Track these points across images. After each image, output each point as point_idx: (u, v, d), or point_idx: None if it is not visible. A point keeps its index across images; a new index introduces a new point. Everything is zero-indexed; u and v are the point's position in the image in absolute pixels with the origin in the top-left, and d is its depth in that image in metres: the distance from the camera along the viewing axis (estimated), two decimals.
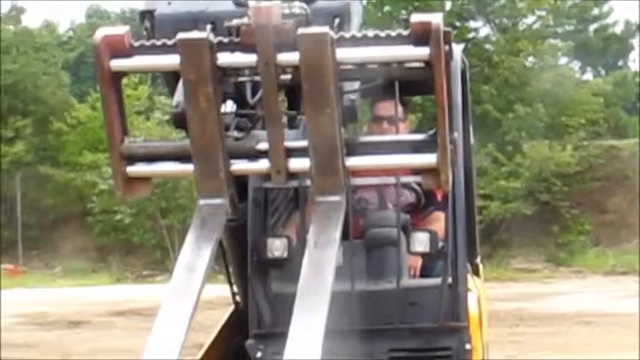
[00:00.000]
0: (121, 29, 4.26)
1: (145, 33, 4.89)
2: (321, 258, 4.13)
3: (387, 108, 5.80)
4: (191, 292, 4.07)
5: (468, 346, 5.32)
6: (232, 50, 4.21)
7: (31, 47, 35.91)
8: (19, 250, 33.07)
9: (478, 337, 5.59)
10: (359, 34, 4.24)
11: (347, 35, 4.20)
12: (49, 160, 34.01)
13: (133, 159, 4.43)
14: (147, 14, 4.89)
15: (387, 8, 31.88)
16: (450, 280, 5.36)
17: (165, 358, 3.84)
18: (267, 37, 4.12)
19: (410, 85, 5.26)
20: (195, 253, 4.23)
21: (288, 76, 4.29)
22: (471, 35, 33.58)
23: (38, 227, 33.52)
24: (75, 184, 32.27)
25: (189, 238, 4.28)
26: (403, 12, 31.95)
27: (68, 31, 41.91)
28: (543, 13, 34.55)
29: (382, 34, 4.19)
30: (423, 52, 4.11)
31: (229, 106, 4.45)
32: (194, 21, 4.72)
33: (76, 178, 32.19)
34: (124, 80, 4.45)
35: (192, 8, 4.78)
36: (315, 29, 4.13)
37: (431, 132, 4.28)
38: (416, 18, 4.10)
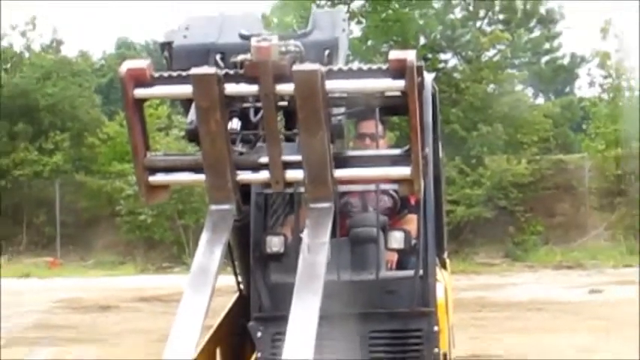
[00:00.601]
0: (143, 62, 4.32)
1: (164, 61, 4.93)
2: (314, 260, 4.18)
3: (369, 127, 5.82)
4: (207, 286, 4.14)
5: (435, 328, 5.34)
6: (237, 81, 4.24)
7: (69, 73, 35.75)
8: (58, 245, 32.97)
9: (445, 321, 5.61)
10: (345, 68, 4.28)
11: (335, 69, 4.24)
12: (84, 169, 33.90)
13: (154, 170, 4.47)
14: (166, 45, 4.91)
15: (370, 42, 31.81)
16: (421, 272, 5.39)
17: (188, 341, 3.93)
18: (266, 71, 4.16)
19: (389, 108, 5.29)
20: (209, 253, 4.29)
21: (285, 103, 4.34)
22: (441, 65, 33.55)
23: (74, 226, 33.41)
24: (105, 190, 32.16)
25: (203, 239, 4.33)
26: (384, 45, 31.95)
27: (100, 60, 41.78)
28: (502, 47, 34.56)
29: (365, 67, 4.23)
30: (400, 84, 4.15)
31: (235, 123, 4.48)
32: (206, 51, 4.75)
33: (106, 184, 32.10)
34: (146, 102, 4.48)
35: (205, 40, 4.80)
36: (307, 66, 4.17)
37: (405, 148, 4.33)
38: (393, 55, 4.14)
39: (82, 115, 35.04)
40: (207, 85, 4.22)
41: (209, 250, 4.32)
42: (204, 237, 4.35)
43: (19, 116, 34.22)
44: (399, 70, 4.15)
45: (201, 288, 4.17)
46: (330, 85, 4.16)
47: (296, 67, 4.16)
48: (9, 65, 36.46)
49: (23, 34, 36.95)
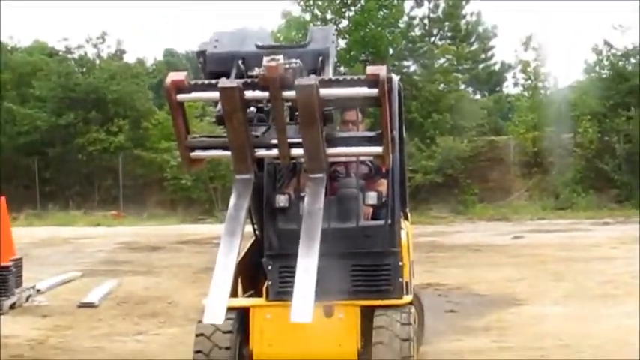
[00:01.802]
0: (182, 74, 4.42)
1: (199, 65, 4.92)
2: (313, 221, 4.26)
3: (352, 115, 5.83)
4: (235, 241, 4.28)
5: (400, 263, 5.35)
6: (253, 89, 4.28)
7: (129, 75, 35.66)
8: (121, 201, 33.00)
9: (407, 258, 5.62)
10: (334, 78, 4.37)
11: (326, 79, 4.34)
12: (140, 146, 33.80)
13: (193, 148, 4.50)
14: (201, 53, 4.90)
15: (352, 53, 31.75)
16: (389, 221, 5.40)
17: (228, 271, 4.16)
18: (275, 82, 4.20)
19: (367, 103, 5.30)
20: (235, 215, 4.38)
21: (289, 103, 4.37)
22: (404, 70, 33.62)
23: (133, 188, 33.41)
24: (156, 161, 32.11)
25: (231, 203, 4.45)
26: (363, 55, 31.96)
27: (152, 65, 41.59)
28: (450, 56, 34.58)
29: (348, 78, 4.33)
30: (374, 92, 4.19)
31: (252, 109, 4.51)
32: (231, 58, 4.74)
33: (157, 157, 32.04)
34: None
35: (230, 49, 4.79)
36: (305, 79, 4.22)
37: (379, 132, 4.37)
38: (370, 70, 4.23)
39: (139, 106, 35.00)
40: (230, 93, 4.26)
41: (235, 214, 4.40)
42: (231, 202, 4.46)
43: (92, 107, 34.15)
44: (374, 82, 4.20)
45: (231, 245, 4.27)
46: (323, 92, 4.20)
47: (297, 80, 4.23)
48: (85, 69, 36.38)
49: (95, 45, 36.93)
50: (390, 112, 4.32)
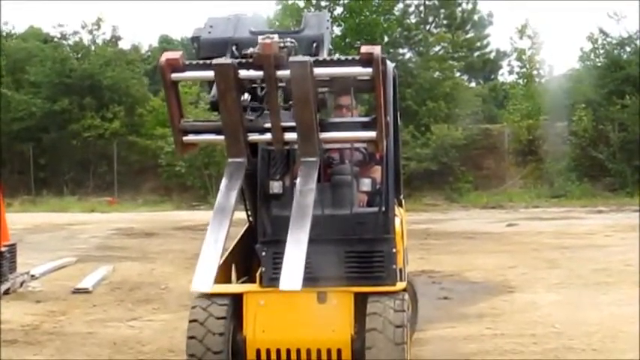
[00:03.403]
0: (177, 53, 4.41)
1: (194, 51, 4.90)
2: (304, 200, 4.25)
3: (345, 100, 5.79)
4: (225, 220, 4.24)
5: (394, 250, 5.33)
6: (247, 69, 4.26)
7: (124, 62, 35.61)
8: (115, 188, 32.95)
9: (401, 245, 5.61)
10: (328, 59, 4.37)
11: (320, 59, 4.31)
12: (135, 132, 33.78)
13: (186, 132, 4.48)
14: (195, 39, 4.90)
15: (347, 40, 31.65)
16: (383, 208, 5.39)
17: (218, 244, 4.14)
18: (269, 61, 4.17)
19: (361, 87, 5.27)
20: (226, 196, 4.35)
21: (283, 84, 4.34)
22: (400, 57, 33.49)
23: (127, 174, 33.40)
24: (151, 147, 32.07)
25: (222, 184, 4.42)
26: (358, 42, 31.82)
27: (147, 52, 41.40)
28: (445, 44, 34.54)
29: (342, 58, 4.30)
30: (368, 71, 4.17)
31: (246, 96, 4.47)
32: (225, 44, 4.74)
33: (151, 143, 32.00)
34: (181, 83, 4.49)
35: (224, 35, 4.80)
36: (299, 58, 4.20)
37: (372, 117, 4.35)
38: (364, 49, 4.21)
39: (134, 92, 34.98)
40: (225, 71, 4.23)
41: (227, 194, 4.37)
42: (223, 183, 4.42)
43: (87, 93, 34.13)
44: (368, 61, 4.17)
45: (221, 222, 4.24)
46: (317, 71, 4.18)
47: (291, 58, 4.21)
48: (80, 55, 36.25)
49: (90, 32, 36.86)
50: (384, 95, 4.30)
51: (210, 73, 4.30)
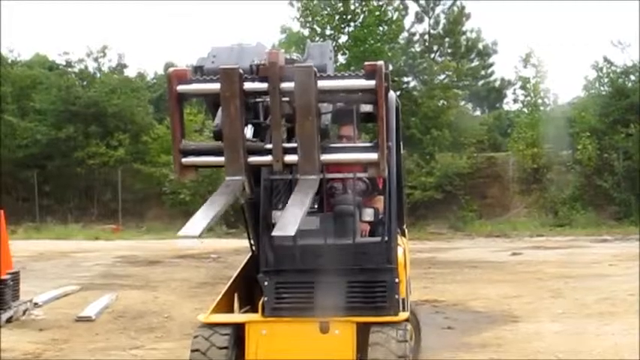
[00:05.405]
0: (185, 69, 4.57)
1: None
2: (307, 183, 4.36)
3: (348, 130, 5.83)
4: (230, 194, 4.43)
5: (397, 280, 5.34)
6: (253, 80, 4.33)
7: (129, 89, 35.69)
8: (119, 215, 32.95)
9: (403, 275, 5.62)
10: (332, 74, 4.49)
11: (324, 74, 4.39)
12: (140, 159, 33.82)
13: (186, 153, 4.52)
14: (199, 68, 4.93)
15: (352, 68, 31.54)
16: (386, 238, 5.39)
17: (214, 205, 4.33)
18: (274, 72, 4.23)
19: (363, 117, 5.32)
20: (218, 196, 4.48)
21: (287, 99, 4.41)
22: (404, 86, 33.54)
23: (132, 201, 33.39)
24: (155, 175, 32.08)
25: (217, 191, 4.43)
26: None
27: (153, 79, 41.58)
28: (450, 72, 34.60)
29: (346, 73, 4.44)
30: (371, 83, 4.23)
31: (249, 130, 4.52)
32: None
33: (156, 171, 32.02)
34: (187, 110, 4.55)
35: (226, 65, 4.81)
36: (304, 64, 4.27)
37: (375, 140, 4.39)
38: (368, 63, 4.38)
39: (139, 120, 35.04)
40: (230, 78, 4.29)
41: (218, 196, 4.50)
42: (218, 191, 4.52)
43: (92, 120, 34.20)
44: (371, 73, 4.24)
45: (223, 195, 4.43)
46: (321, 83, 4.23)
47: (296, 65, 4.35)
48: (85, 82, 36.37)
49: (96, 59, 36.97)
50: (387, 116, 4.36)
51: (215, 86, 4.37)
